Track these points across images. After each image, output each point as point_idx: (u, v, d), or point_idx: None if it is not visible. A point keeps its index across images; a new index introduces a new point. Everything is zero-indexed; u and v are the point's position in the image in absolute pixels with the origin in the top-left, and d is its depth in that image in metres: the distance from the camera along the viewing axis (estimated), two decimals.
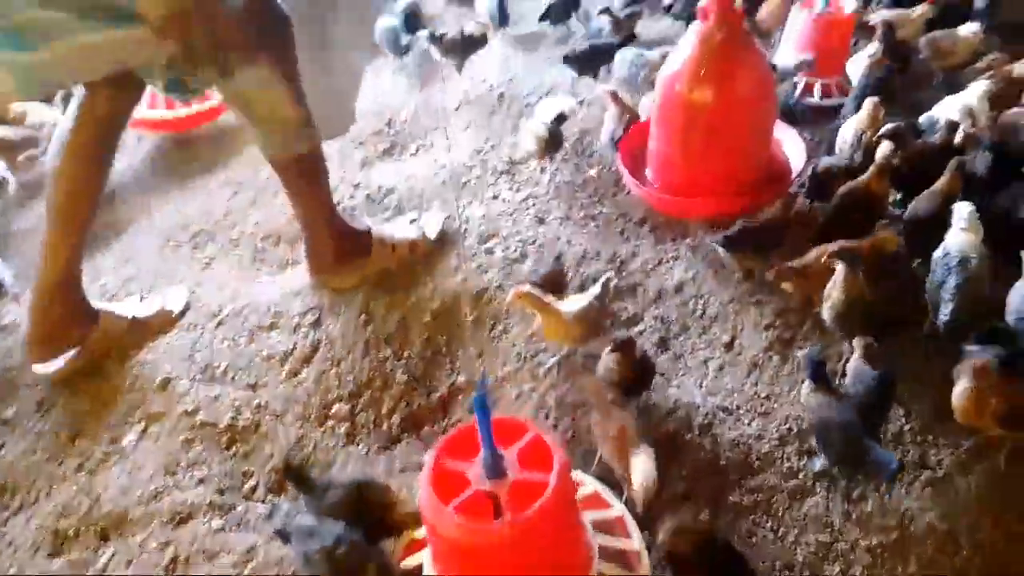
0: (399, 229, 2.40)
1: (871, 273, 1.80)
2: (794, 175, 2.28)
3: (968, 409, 1.58)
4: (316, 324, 2.20)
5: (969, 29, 2.69)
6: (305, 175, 2.17)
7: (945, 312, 1.74)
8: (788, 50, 2.83)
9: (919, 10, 2.86)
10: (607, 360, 1.81)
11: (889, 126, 2.23)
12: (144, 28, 1.69)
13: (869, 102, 2.32)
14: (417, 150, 2.90)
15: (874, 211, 2.10)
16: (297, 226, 2.51)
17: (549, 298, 1.89)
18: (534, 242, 2.39)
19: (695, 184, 2.29)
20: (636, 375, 1.80)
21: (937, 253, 1.82)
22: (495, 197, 2.60)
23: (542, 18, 3.43)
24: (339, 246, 2.26)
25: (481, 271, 2.30)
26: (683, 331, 2.10)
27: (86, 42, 1.68)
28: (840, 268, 1.79)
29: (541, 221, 2.48)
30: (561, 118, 2.58)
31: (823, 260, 1.85)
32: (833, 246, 1.85)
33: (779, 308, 2.06)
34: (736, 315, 2.09)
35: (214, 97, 2.98)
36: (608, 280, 2.01)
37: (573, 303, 1.92)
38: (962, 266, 1.75)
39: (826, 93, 2.78)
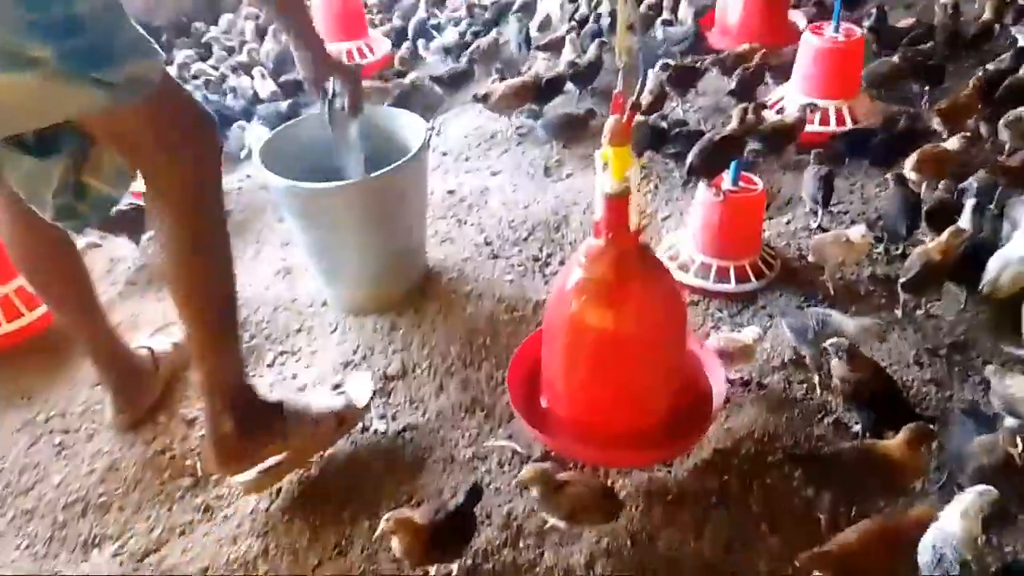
0: (320, 399, 2.03)
1: None
2: (715, 405, 1.89)
3: None
4: None
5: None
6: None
7: None
8: (692, 231, 2.53)
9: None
10: None
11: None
12: (40, 74, 1.34)
13: None
14: (274, 360, 2.42)
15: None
16: (109, 488, 2.01)
17: None
18: (410, 498, 1.92)
19: (593, 424, 1.88)
20: None
21: (925, 541, 1.43)
22: (364, 429, 2.13)
23: None
24: (244, 420, 1.81)
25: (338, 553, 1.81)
26: None
27: None
28: None
29: (420, 465, 2.02)
30: None
31: None
32: None
33: None
34: None
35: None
36: None
37: None
38: (963, 571, 1.37)
39: (741, 277, 2.46)
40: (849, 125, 3.11)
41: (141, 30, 1.52)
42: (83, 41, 1.38)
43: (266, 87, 3.81)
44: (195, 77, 4.00)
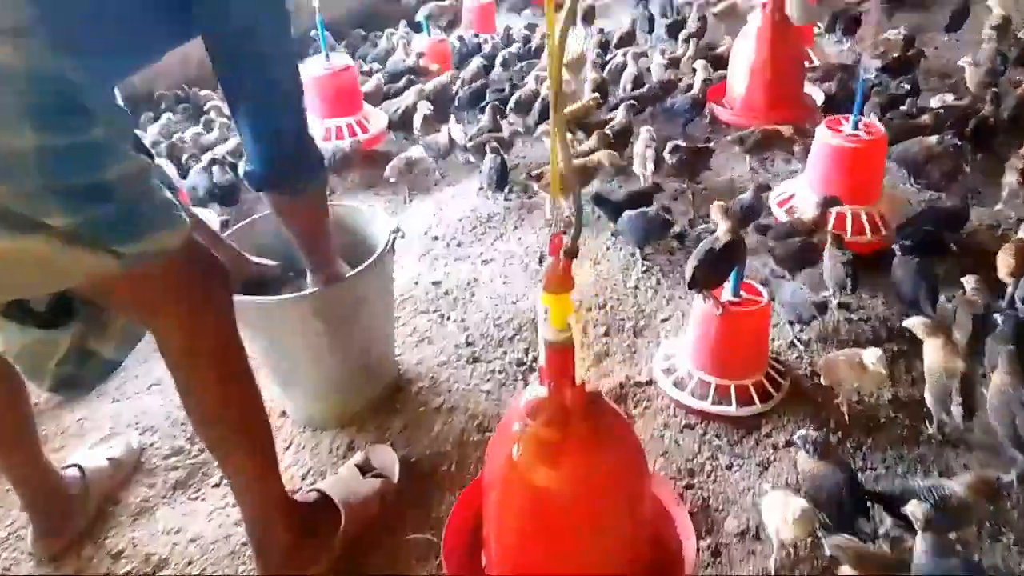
0: (359, 483, 2.00)
1: None
2: (688, 570, 1.61)
3: None
4: None
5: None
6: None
7: None
8: (690, 343, 2.26)
9: None
10: None
11: None
12: (52, 239, 1.25)
13: None
14: (220, 480, 2.19)
15: None
16: None
17: None
18: None
19: None
20: None
21: None
22: None
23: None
24: (301, 527, 1.81)
25: None
26: None
27: None
28: None
29: None
30: None
31: None
32: None
33: None
34: None
35: None
36: None
37: None
38: None
39: (743, 399, 2.18)
40: (868, 235, 2.77)
41: (168, 195, 1.42)
42: (105, 212, 1.30)
43: None
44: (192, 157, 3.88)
